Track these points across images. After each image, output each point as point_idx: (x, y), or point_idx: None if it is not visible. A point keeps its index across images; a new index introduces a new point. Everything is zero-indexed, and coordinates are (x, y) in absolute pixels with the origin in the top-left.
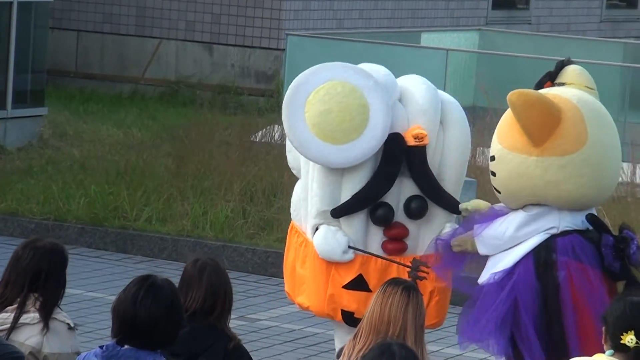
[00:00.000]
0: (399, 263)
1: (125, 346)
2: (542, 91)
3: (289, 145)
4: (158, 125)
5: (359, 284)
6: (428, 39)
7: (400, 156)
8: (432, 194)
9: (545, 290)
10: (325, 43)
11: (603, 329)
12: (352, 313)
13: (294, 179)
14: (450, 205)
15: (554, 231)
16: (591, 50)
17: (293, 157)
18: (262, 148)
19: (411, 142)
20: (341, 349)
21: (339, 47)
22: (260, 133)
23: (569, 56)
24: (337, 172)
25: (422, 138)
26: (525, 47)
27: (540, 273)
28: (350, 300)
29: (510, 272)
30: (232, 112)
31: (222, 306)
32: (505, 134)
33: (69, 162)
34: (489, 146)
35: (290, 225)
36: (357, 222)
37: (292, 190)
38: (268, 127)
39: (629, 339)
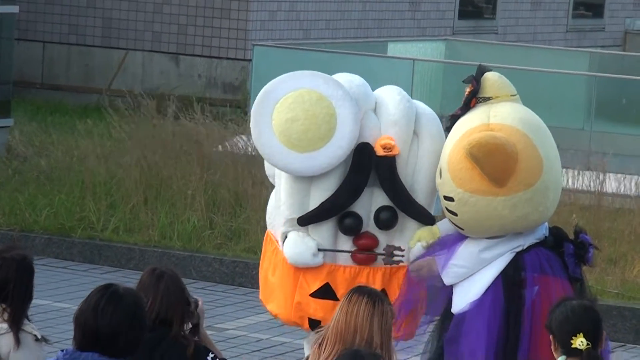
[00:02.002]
0: (372, 253)
1: None
2: (483, 130)
3: None
4: (124, 136)
5: (326, 292)
6: (395, 48)
7: (368, 166)
8: (402, 205)
9: (509, 309)
10: (292, 53)
11: (551, 337)
12: (319, 321)
13: (258, 190)
14: (422, 216)
15: (519, 249)
16: (557, 59)
17: (269, 165)
18: (228, 158)
19: (380, 152)
20: (307, 358)
21: (306, 57)
22: (226, 143)
23: (480, 62)
24: (305, 180)
25: (390, 148)
26: (492, 57)
27: (508, 293)
28: (317, 309)
29: (482, 300)
30: (198, 122)
31: (178, 315)
32: (465, 179)
33: (35, 172)
34: None
35: (266, 234)
36: (325, 231)
37: (258, 201)
38: (234, 138)
39: (579, 342)
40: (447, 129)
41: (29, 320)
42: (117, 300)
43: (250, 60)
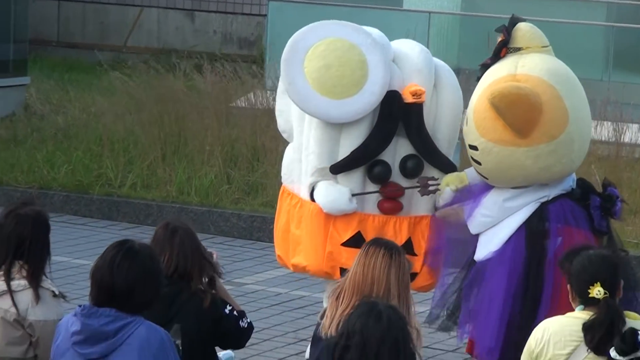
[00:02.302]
0: (407, 187)
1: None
2: (505, 80)
3: (279, 109)
4: (141, 93)
5: (357, 241)
6: (410, 1)
7: (397, 113)
8: (427, 154)
9: (531, 259)
10: (307, 8)
11: (568, 287)
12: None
13: (276, 144)
14: (445, 165)
15: (544, 199)
16: (575, 10)
17: (284, 119)
18: (245, 113)
19: (409, 99)
20: (325, 310)
21: (321, 12)
22: (242, 99)
23: (513, 14)
24: (335, 129)
25: (420, 95)
26: (509, 9)
27: (530, 243)
28: (349, 258)
29: (504, 249)
30: (214, 78)
31: (196, 268)
32: (488, 128)
33: (53, 130)
34: None
35: (281, 189)
36: (355, 179)
37: (275, 155)
38: (250, 93)
39: (596, 291)
40: (478, 79)
41: (47, 277)
42: (133, 256)
43: (265, 15)
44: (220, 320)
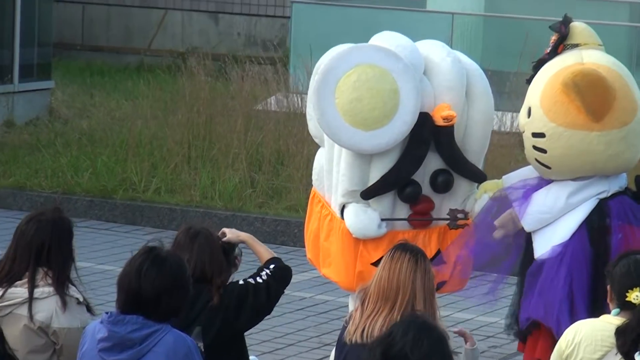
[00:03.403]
0: (436, 219)
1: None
2: (570, 65)
3: (309, 113)
4: (165, 96)
5: None
6: (434, 3)
7: (428, 137)
8: (457, 167)
9: (597, 256)
10: (331, 10)
11: (608, 287)
12: None
13: (301, 148)
14: (475, 175)
15: (604, 195)
16: (598, 10)
17: (314, 125)
18: (268, 116)
19: (440, 122)
20: (350, 315)
21: (345, 13)
22: (266, 102)
23: (566, 13)
24: (364, 155)
25: (451, 119)
26: (532, 9)
27: (594, 239)
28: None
29: (567, 244)
30: (238, 80)
31: (215, 271)
32: (559, 112)
33: (77, 135)
34: (497, 110)
35: (312, 192)
36: (385, 201)
37: (300, 159)
38: (274, 96)
39: (634, 295)
40: (528, 81)
41: (72, 284)
42: (161, 263)
43: (289, 17)
44: (243, 306)
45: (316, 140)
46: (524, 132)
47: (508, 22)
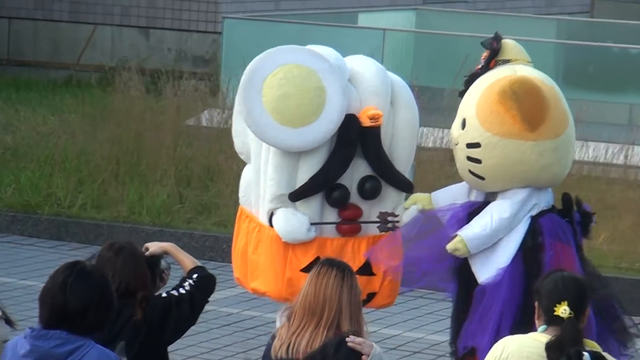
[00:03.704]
0: (366, 222)
1: None
2: (503, 74)
3: (235, 129)
4: (93, 111)
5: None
6: (365, 19)
7: (355, 138)
8: (385, 174)
9: (529, 274)
10: (262, 25)
11: (536, 304)
12: None
13: (230, 163)
14: (403, 184)
15: (534, 212)
16: (526, 27)
17: (241, 141)
18: (198, 132)
19: (366, 122)
20: (276, 331)
21: (276, 29)
22: (196, 117)
23: (497, 31)
24: (293, 155)
25: (377, 118)
26: (462, 26)
27: (526, 258)
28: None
29: (505, 268)
30: (168, 96)
31: (139, 286)
32: (495, 122)
33: (0, 149)
34: (428, 125)
35: (239, 210)
36: (314, 204)
37: (230, 175)
38: (204, 112)
39: (562, 309)
40: (461, 93)
41: None
42: (86, 277)
43: (220, 32)
44: (166, 319)
45: (242, 157)
46: (457, 144)
47: (439, 38)
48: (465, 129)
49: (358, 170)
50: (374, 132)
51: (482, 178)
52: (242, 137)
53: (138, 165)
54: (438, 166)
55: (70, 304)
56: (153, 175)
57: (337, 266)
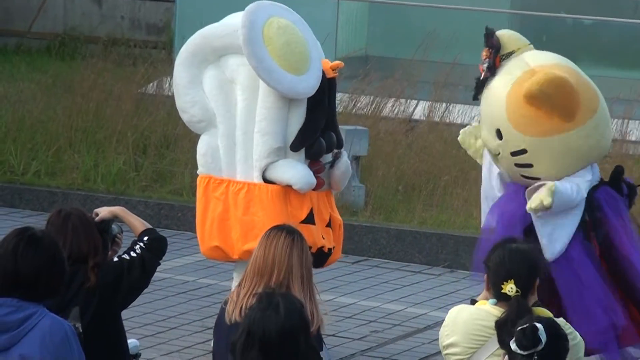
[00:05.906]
0: (327, 163)
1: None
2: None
3: (191, 100)
4: (47, 79)
5: (310, 218)
6: None
7: (326, 87)
8: (335, 126)
9: (594, 249)
10: None
11: (485, 276)
12: (310, 247)
13: (187, 131)
14: (340, 139)
15: (591, 185)
16: None
17: (201, 108)
18: (154, 100)
19: (330, 74)
20: (228, 297)
21: None
22: (151, 85)
23: (486, 25)
24: (285, 108)
25: (339, 67)
26: None
27: (587, 234)
28: (308, 236)
29: (570, 245)
30: (122, 64)
31: (91, 251)
32: (531, 125)
33: None
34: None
35: (203, 180)
36: (302, 157)
37: (186, 143)
38: (159, 79)
39: (509, 288)
40: (475, 96)
41: None
42: (37, 243)
43: (174, 1)
44: (119, 284)
45: (201, 125)
46: (498, 154)
47: (394, 8)
48: (503, 139)
49: None
50: (335, 83)
51: (538, 178)
52: (202, 103)
53: (93, 134)
54: (394, 136)
55: (22, 271)
56: (109, 143)
57: (286, 230)
